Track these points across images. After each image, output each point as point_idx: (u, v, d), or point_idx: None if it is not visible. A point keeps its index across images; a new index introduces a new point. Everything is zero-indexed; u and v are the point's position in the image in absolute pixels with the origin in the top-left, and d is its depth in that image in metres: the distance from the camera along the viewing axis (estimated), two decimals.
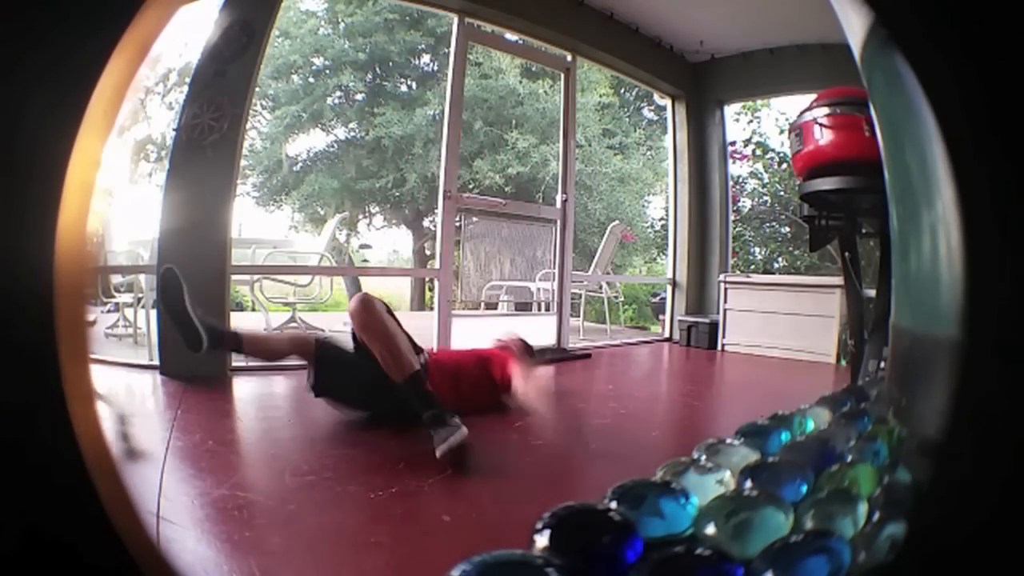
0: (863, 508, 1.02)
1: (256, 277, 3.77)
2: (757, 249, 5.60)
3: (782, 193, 5.31)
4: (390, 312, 1.84)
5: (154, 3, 0.59)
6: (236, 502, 1.27)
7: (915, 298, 1.02)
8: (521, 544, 0.89)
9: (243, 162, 4.36)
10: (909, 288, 1.06)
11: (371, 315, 1.75)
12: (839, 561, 0.86)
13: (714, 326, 4.20)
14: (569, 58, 3.88)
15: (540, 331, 3.85)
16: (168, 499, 1.27)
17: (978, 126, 0.59)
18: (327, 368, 1.91)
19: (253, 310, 5.17)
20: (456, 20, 3.31)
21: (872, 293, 2.40)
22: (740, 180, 5.48)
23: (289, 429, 1.96)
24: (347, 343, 1.91)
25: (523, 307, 5.33)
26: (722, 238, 4.67)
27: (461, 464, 1.50)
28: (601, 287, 4.80)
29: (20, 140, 0.54)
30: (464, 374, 2.05)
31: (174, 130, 2.64)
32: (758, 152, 5.33)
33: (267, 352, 2.11)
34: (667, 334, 4.73)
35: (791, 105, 4.65)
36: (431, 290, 6.57)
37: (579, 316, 4.76)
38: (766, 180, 5.43)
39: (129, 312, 3.76)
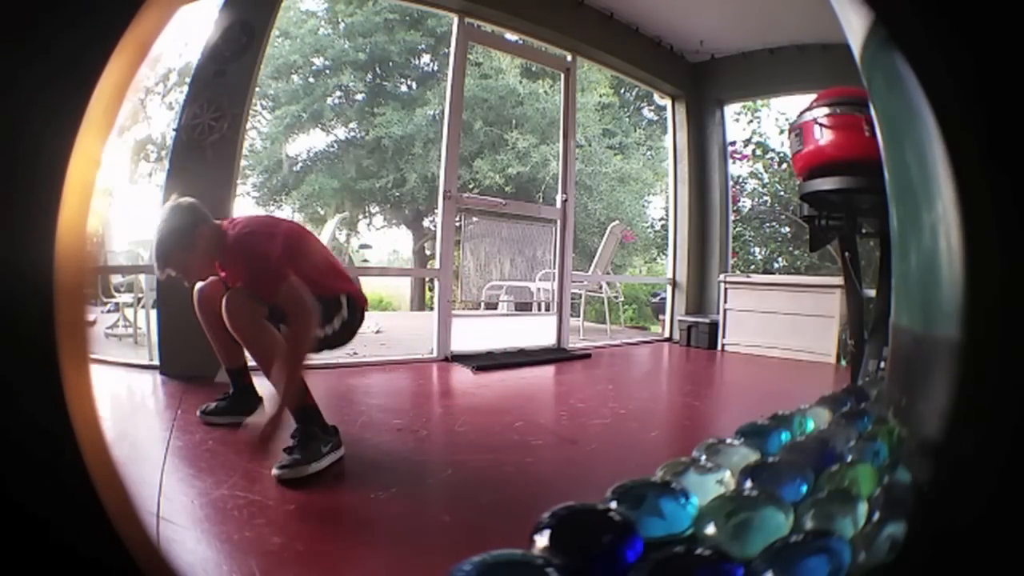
0: (863, 508, 1.02)
1: None
2: (757, 249, 5.59)
3: (782, 193, 5.31)
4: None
5: (154, 3, 0.59)
6: (236, 502, 1.27)
7: (915, 298, 1.02)
8: (521, 544, 0.89)
9: (243, 162, 4.35)
10: (909, 288, 1.06)
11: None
12: (839, 561, 0.86)
13: (714, 326, 4.20)
14: (569, 58, 3.88)
15: (540, 331, 3.85)
16: (168, 499, 1.27)
17: (978, 126, 0.59)
18: None
19: None
20: (456, 20, 3.31)
21: (872, 293, 2.40)
22: (740, 180, 5.47)
23: (289, 429, 1.95)
24: None
25: (523, 307, 5.33)
26: (722, 238, 4.67)
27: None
28: (601, 287, 4.80)
29: (21, 140, 0.54)
30: None
31: (174, 130, 2.64)
32: (758, 152, 5.33)
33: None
34: (667, 334, 4.73)
35: (791, 105, 4.65)
36: (431, 290, 6.56)
37: (579, 316, 4.76)
38: (766, 180, 5.43)
39: (129, 312, 3.76)
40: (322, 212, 8.58)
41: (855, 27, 1.09)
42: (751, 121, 5.31)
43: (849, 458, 1.27)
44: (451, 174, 3.28)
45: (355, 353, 3.35)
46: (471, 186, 8.07)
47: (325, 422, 1.58)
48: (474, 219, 4.39)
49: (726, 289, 4.14)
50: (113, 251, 3.90)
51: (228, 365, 1.89)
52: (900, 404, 1.16)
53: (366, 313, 1.79)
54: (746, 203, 5.55)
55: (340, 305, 1.68)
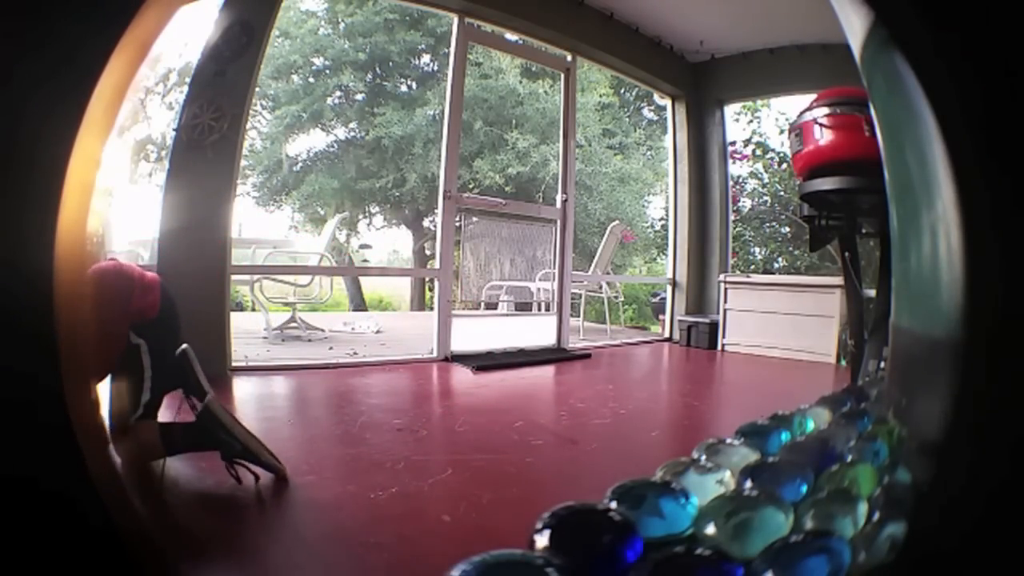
0: (863, 508, 1.02)
1: (256, 277, 3.77)
2: (757, 249, 5.59)
3: (782, 193, 5.31)
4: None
5: (154, 3, 0.59)
6: (237, 502, 1.27)
7: (915, 298, 1.02)
8: (521, 544, 0.89)
9: (243, 162, 4.35)
10: (909, 288, 1.06)
11: None
12: (839, 561, 0.86)
13: (714, 326, 4.20)
14: (569, 58, 3.88)
15: (540, 331, 3.85)
16: (168, 499, 1.27)
17: (977, 127, 0.59)
18: None
19: (253, 310, 5.17)
20: (456, 20, 3.31)
21: (872, 293, 2.40)
22: (740, 180, 5.47)
23: (289, 429, 1.96)
24: None
25: (523, 307, 5.33)
26: (722, 238, 4.67)
27: None
28: (601, 287, 4.80)
29: (21, 140, 0.54)
30: None
31: (174, 130, 2.64)
32: (758, 152, 5.33)
33: None
34: (667, 334, 4.73)
35: (791, 105, 4.65)
36: (431, 290, 6.57)
37: (579, 316, 4.76)
38: (766, 180, 5.43)
39: None
40: (322, 212, 8.57)
41: (855, 27, 1.08)
42: (751, 121, 5.31)
43: (849, 458, 1.27)
44: (451, 174, 3.28)
45: (355, 353, 3.35)
46: (471, 186, 8.07)
47: (199, 411, 1.38)
48: (474, 219, 4.39)
49: (726, 289, 4.14)
50: (113, 251, 3.89)
51: None
52: (900, 404, 1.16)
53: (175, 313, 1.51)
54: (746, 203, 5.55)
55: (136, 352, 1.36)
